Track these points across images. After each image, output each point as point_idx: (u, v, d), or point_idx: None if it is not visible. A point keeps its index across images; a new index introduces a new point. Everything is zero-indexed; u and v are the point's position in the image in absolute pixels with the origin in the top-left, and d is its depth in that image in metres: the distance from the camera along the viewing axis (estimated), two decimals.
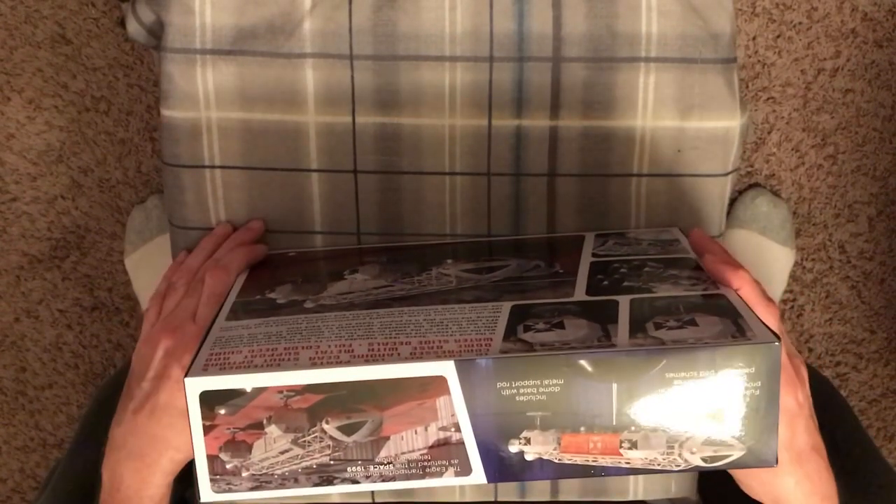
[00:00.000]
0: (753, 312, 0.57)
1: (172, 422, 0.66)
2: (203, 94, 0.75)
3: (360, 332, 0.58)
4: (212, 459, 0.56)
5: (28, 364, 1.29)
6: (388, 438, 0.55)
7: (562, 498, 0.79)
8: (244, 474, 0.56)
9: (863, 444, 0.86)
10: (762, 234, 1.17)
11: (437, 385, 0.54)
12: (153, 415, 0.66)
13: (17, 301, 1.27)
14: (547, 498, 0.79)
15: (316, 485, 0.57)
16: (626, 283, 0.64)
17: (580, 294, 0.63)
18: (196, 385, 0.55)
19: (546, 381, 0.54)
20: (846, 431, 0.88)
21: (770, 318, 0.60)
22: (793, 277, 1.24)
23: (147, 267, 1.17)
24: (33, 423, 1.31)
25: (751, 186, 1.21)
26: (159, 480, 0.66)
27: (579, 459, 0.56)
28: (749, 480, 0.65)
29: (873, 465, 0.84)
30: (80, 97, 1.20)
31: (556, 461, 0.56)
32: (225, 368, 0.55)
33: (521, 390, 0.54)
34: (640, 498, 0.79)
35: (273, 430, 0.55)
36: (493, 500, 0.79)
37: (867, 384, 1.29)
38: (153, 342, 0.69)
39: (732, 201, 1.20)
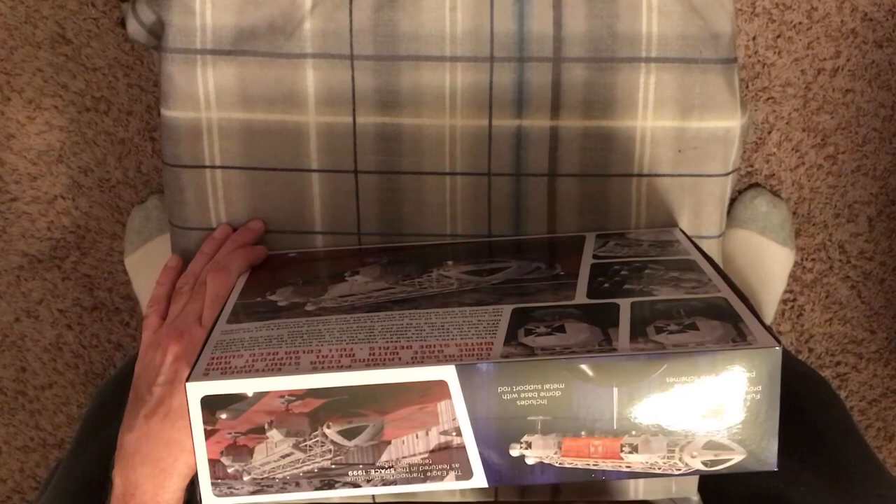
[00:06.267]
0: (755, 316, 0.57)
1: (186, 425, 0.65)
2: (203, 94, 0.75)
3: (362, 336, 0.58)
4: (213, 463, 0.56)
5: (28, 364, 1.29)
6: (389, 442, 0.55)
7: (562, 498, 0.79)
8: (245, 478, 0.56)
9: (857, 446, 0.86)
10: (762, 233, 1.17)
11: (438, 389, 0.54)
12: (167, 419, 0.66)
13: (17, 301, 1.27)
14: (547, 498, 0.79)
15: (317, 489, 0.57)
16: (626, 286, 0.64)
17: (581, 297, 0.63)
18: (197, 390, 0.55)
19: (547, 386, 0.54)
20: (839, 433, 0.88)
21: None
22: (793, 277, 1.24)
23: (147, 267, 1.17)
24: (33, 423, 1.31)
25: (750, 186, 1.21)
26: (175, 485, 0.66)
27: (580, 463, 0.56)
28: None
29: (866, 464, 0.84)
30: (80, 97, 1.20)
31: (557, 465, 0.56)
32: (226, 373, 0.55)
33: (522, 394, 0.54)
34: (640, 498, 0.79)
35: (274, 434, 0.55)
36: (493, 500, 0.79)
37: (867, 384, 1.29)
38: (161, 347, 0.69)
39: (732, 201, 1.20)
